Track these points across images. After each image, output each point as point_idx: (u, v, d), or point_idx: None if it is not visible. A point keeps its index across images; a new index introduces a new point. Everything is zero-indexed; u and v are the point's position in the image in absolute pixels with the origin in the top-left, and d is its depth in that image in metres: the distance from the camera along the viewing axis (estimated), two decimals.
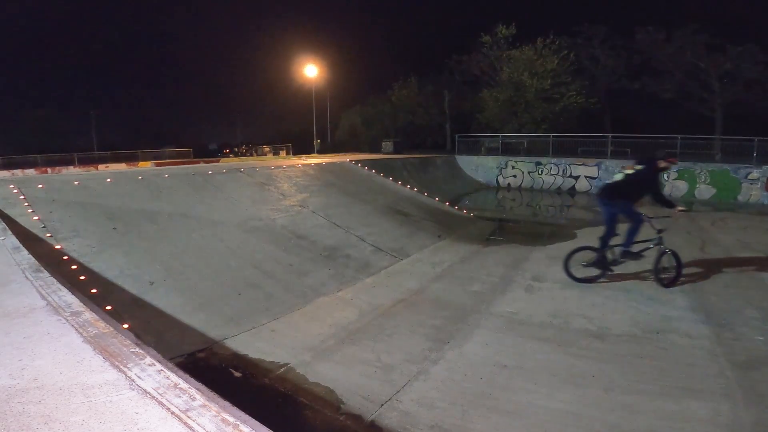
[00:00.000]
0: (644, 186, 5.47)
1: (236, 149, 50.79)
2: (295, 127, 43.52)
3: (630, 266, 5.81)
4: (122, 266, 4.68)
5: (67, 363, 1.67)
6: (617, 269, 5.81)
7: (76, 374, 1.59)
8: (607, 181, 5.87)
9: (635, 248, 5.59)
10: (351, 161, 13.40)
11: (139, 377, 1.54)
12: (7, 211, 5.04)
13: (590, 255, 5.78)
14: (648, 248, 5.57)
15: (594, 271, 5.78)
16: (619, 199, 5.56)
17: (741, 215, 12.19)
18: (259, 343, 4.06)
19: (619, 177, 5.61)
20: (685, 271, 5.76)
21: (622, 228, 5.62)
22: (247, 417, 1.31)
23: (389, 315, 4.88)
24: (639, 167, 5.50)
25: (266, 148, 39.82)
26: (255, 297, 4.93)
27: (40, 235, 4.75)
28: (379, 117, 36.13)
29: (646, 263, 5.70)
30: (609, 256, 5.74)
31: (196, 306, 4.47)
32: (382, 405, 3.18)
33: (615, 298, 5.28)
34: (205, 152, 47.72)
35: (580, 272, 5.76)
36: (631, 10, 31.61)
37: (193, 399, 1.39)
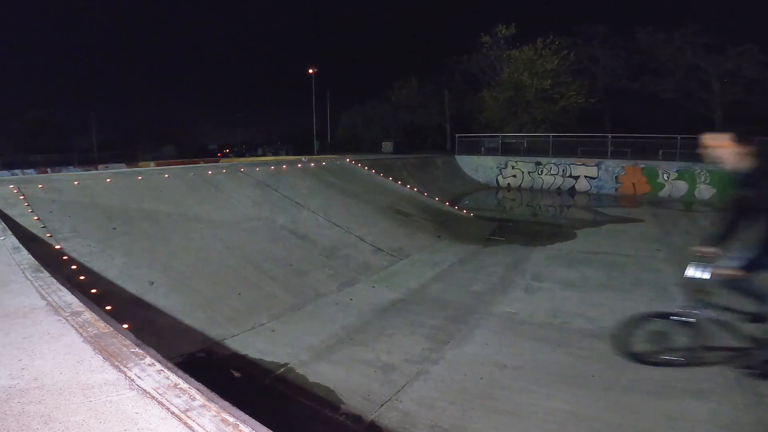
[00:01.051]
0: None
1: (236, 149, 50.83)
2: (295, 128, 43.57)
3: None
4: (122, 266, 4.68)
5: (67, 363, 1.67)
6: None
7: (76, 374, 1.59)
8: None
9: None
10: (351, 161, 13.39)
11: (139, 377, 1.54)
12: (7, 211, 5.04)
13: None
14: None
15: None
16: None
17: None
18: (259, 343, 4.06)
19: None
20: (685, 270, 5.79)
21: None
22: (247, 417, 1.31)
23: (389, 315, 4.88)
24: None
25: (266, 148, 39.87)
26: (255, 297, 4.93)
27: (40, 235, 4.74)
28: (379, 117, 36.14)
29: None
30: None
31: (196, 306, 4.47)
32: (382, 405, 3.18)
33: (615, 298, 5.29)
34: (205, 152, 47.76)
35: None
36: (631, 10, 31.66)
37: (193, 399, 1.38)
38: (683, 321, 3.49)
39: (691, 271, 3.25)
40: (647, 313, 3.92)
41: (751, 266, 3.05)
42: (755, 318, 3.24)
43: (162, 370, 1.58)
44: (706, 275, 3.21)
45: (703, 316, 3.40)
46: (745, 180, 3.03)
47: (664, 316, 3.67)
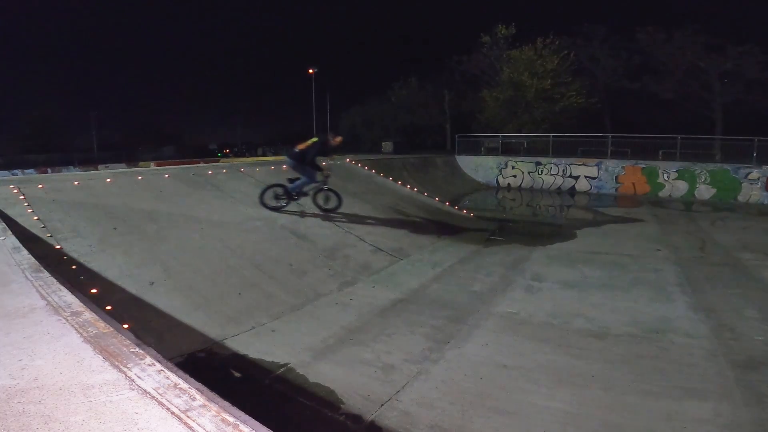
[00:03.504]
0: None
1: (236, 149, 50.84)
2: (295, 127, 43.61)
3: None
4: (122, 266, 4.68)
5: (67, 363, 1.67)
6: None
7: (76, 374, 1.59)
8: None
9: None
10: (351, 161, 13.39)
11: (139, 377, 1.54)
12: (7, 211, 5.03)
13: None
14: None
15: None
16: None
17: (741, 215, 12.19)
18: (259, 343, 4.06)
19: None
20: (685, 270, 5.80)
21: None
22: (247, 417, 1.31)
23: (389, 315, 4.87)
24: None
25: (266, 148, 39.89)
26: (255, 297, 4.93)
27: (40, 235, 4.74)
28: (379, 117, 36.17)
29: None
30: None
31: (196, 306, 4.47)
32: (382, 405, 3.18)
33: (615, 298, 5.29)
34: (205, 152, 47.78)
35: None
36: (631, 10, 31.67)
37: (193, 399, 1.38)
38: (281, 186, 7.67)
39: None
40: (269, 183, 7.76)
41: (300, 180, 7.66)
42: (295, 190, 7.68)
43: (162, 370, 1.58)
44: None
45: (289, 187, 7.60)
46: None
47: (277, 185, 7.70)
